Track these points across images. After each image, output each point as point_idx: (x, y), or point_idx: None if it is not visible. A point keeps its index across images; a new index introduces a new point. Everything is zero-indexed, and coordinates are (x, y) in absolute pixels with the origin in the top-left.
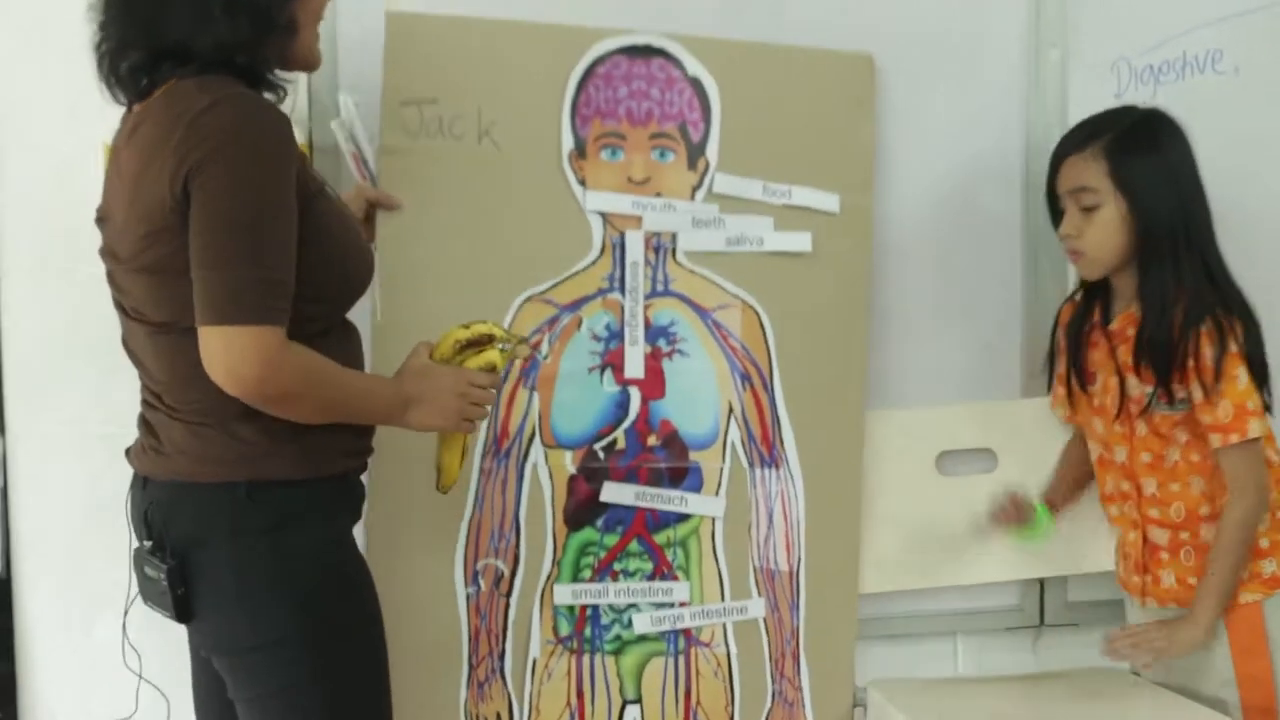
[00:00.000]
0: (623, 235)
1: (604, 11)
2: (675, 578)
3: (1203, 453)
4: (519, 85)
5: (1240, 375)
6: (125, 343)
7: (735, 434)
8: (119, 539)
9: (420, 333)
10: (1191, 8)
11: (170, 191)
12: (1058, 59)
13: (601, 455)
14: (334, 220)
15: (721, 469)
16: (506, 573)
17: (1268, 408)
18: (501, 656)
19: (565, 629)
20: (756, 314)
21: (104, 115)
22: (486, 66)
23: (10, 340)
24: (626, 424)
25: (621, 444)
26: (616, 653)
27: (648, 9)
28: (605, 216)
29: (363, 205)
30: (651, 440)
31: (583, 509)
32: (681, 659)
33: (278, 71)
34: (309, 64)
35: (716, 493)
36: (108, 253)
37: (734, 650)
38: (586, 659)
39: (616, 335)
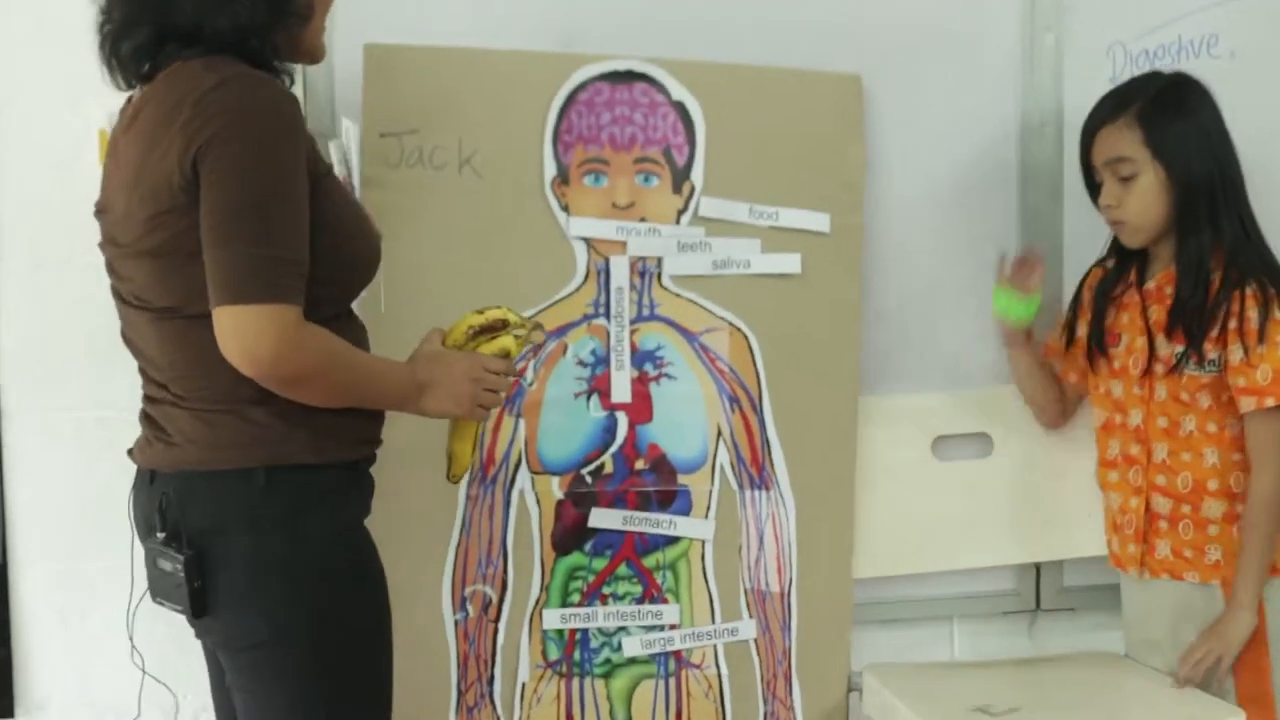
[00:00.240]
0: (607, 261)
1: (588, 38)
2: (665, 600)
3: (1220, 423)
4: (500, 114)
5: None
6: (125, 335)
7: (724, 456)
8: (115, 527)
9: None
10: None
11: (179, 170)
12: (1053, 43)
13: (589, 480)
14: (343, 202)
15: (710, 491)
16: (494, 598)
17: None
18: (490, 681)
19: (554, 653)
20: (745, 336)
21: (102, 104)
22: (466, 96)
23: (6, 329)
24: (614, 449)
25: (609, 468)
26: (606, 676)
27: (633, 35)
28: (589, 242)
29: None
30: (639, 464)
31: (570, 534)
32: (672, 681)
33: (283, 61)
34: (314, 55)
35: (706, 515)
36: (108, 241)
37: (725, 672)
38: (576, 683)
39: (603, 360)
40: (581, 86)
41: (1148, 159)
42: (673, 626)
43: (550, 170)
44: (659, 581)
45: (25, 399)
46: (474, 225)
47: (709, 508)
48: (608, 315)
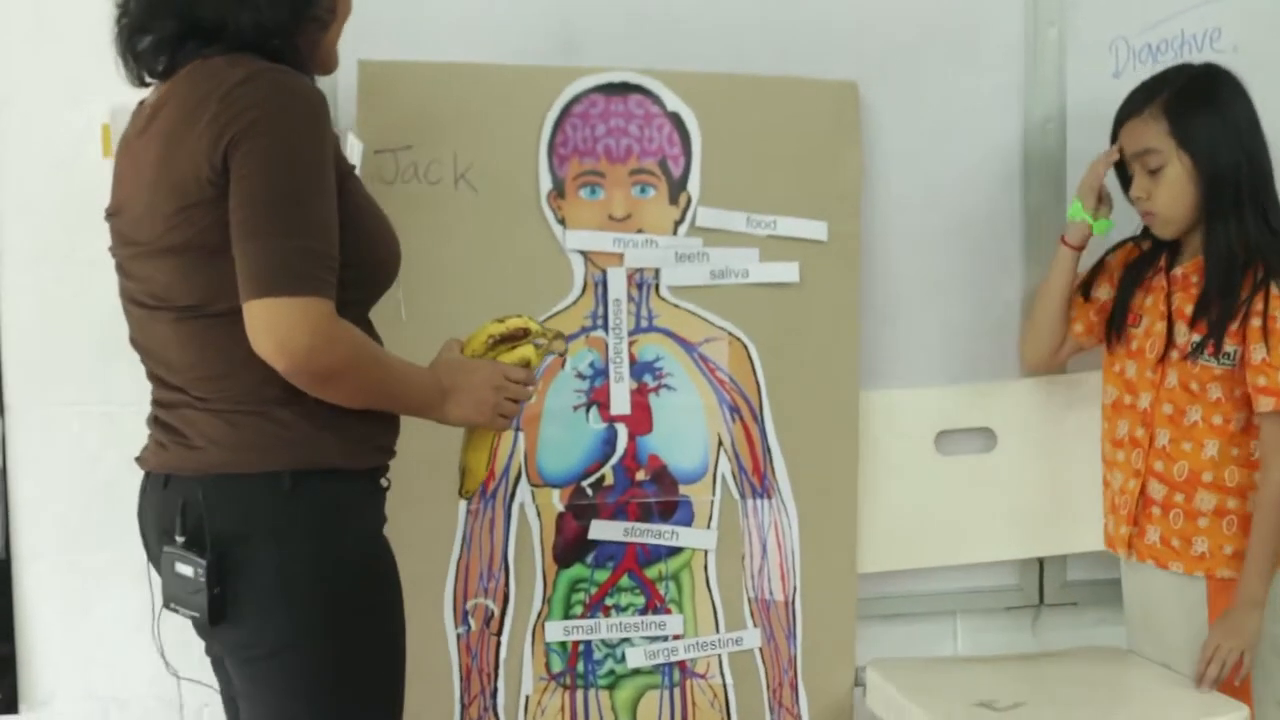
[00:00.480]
0: (604, 273)
1: (582, 50)
2: (668, 611)
3: (1226, 416)
4: (494, 128)
5: None
6: (134, 339)
7: (725, 466)
8: (119, 521)
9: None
10: None
11: (209, 164)
12: (1055, 38)
13: (589, 492)
14: (366, 202)
15: (712, 501)
16: (496, 612)
17: None
18: (494, 695)
19: (558, 665)
20: (744, 346)
21: (103, 99)
22: (461, 110)
23: (10, 322)
24: (614, 460)
25: (609, 480)
26: (610, 687)
27: (629, 46)
28: (586, 255)
29: None
30: (640, 475)
31: (572, 546)
32: (677, 691)
33: (303, 69)
34: (329, 64)
35: (708, 525)
36: (124, 242)
37: (730, 681)
38: (580, 694)
39: (601, 373)
40: (576, 99)
41: (1174, 150)
42: (676, 637)
43: (546, 184)
44: (662, 592)
45: (29, 393)
46: (470, 240)
47: (711, 518)
48: (606, 327)
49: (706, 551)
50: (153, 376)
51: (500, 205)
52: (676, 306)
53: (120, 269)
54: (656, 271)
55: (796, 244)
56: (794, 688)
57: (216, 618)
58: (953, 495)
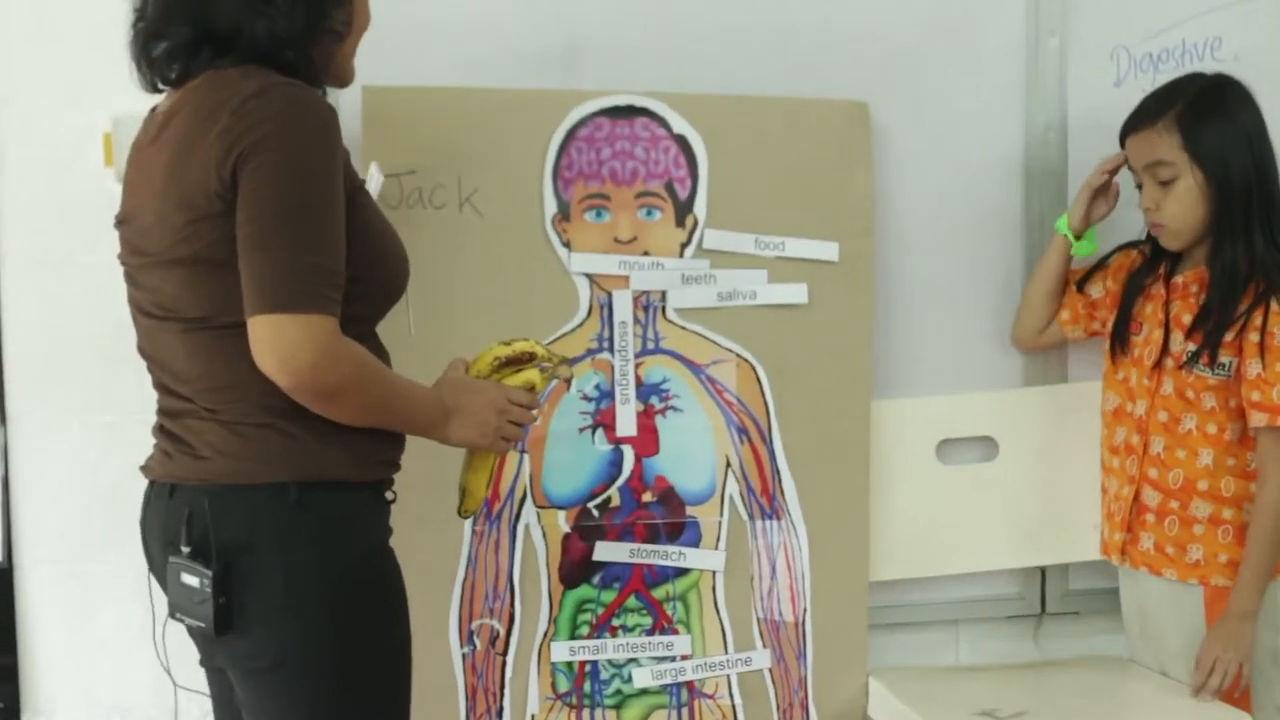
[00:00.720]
0: (610, 295)
1: (589, 73)
2: (675, 631)
3: (1221, 426)
4: (499, 152)
5: None
6: (142, 348)
7: (733, 487)
8: (121, 529)
9: None
10: None
11: (217, 177)
12: (1056, 47)
13: (596, 513)
14: (375, 217)
15: (720, 522)
16: (502, 632)
17: None
18: (499, 714)
19: (564, 685)
20: (752, 367)
21: (105, 105)
22: (465, 135)
23: (11, 329)
24: (620, 482)
25: (616, 502)
26: (617, 707)
27: (635, 68)
28: (592, 277)
29: None
30: (647, 497)
31: (578, 567)
32: (685, 711)
33: (317, 81)
34: (344, 77)
35: (716, 546)
36: (132, 251)
37: (739, 702)
38: (587, 714)
39: (607, 395)
40: (581, 122)
41: (1186, 163)
42: (684, 657)
43: (551, 207)
44: (669, 613)
45: (31, 401)
46: (475, 264)
47: (719, 538)
48: (612, 349)
49: (714, 572)
50: (159, 385)
51: (505, 229)
52: (683, 328)
53: (129, 278)
54: (663, 294)
55: (805, 265)
56: (804, 708)
57: (222, 628)
58: (954, 504)
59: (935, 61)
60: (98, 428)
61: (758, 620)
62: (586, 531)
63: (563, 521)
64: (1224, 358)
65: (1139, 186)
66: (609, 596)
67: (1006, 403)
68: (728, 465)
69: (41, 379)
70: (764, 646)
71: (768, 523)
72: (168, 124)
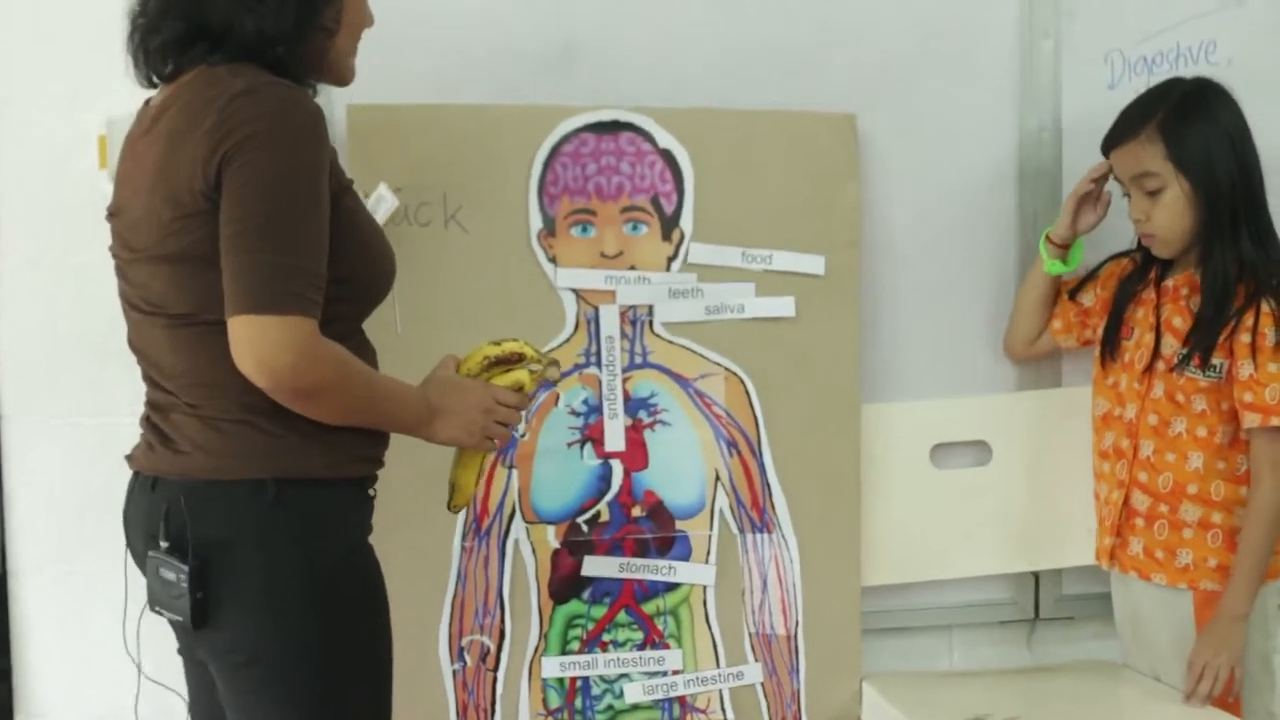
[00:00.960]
0: (597, 310)
1: (585, 76)
2: (667, 646)
3: (1211, 429)
4: (484, 168)
5: None
6: (132, 341)
7: (723, 501)
8: (115, 533)
9: None
10: None
11: (203, 175)
12: (1050, 49)
13: (585, 528)
14: (361, 218)
15: (710, 536)
16: (492, 648)
17: None
18: None
19: (555, 701)
20: (741, 381)
21: (100, 104)
22: (450, 152)
23: (5, 331)
24: (609, 497)
25: (605, 516)
26: None
27: (623, 81)
28: (578, 293)
29: None
30: (636, 511)
31: (568, 582)
32: None
33: (315, 78)
34: (342, 76)
35: (706, 560)
36: (122, 245)
37: (731, 717)
38: None
39: (595, 409)
40: (566, 138)
41: (1172, 172)
42: (676, 672)
43: (536, 223)
44: (660, 627)
45: (24, 404)
46: (461, 280)
47: (709, 552)
48: (599, 364)
49: (705, 586)
50: (147, 378)
51: (491, 245)
52: (671, 343)
53: (119, 271)
54: (650, 308)
55: (793, 277)
56: None
57: (199, 622)
58: (948, 509)
59: (929, 66)
60: (91, 429)
61: (749, 634)
62: (576, 546)
63: (552, 537)
64: (1215, 359)
65: (1126, 196)
66: (599, 612)
67: (1000, 407)
68: (717, 479)
69: (35, 381)
70: (756, 660)
71: (758, 536)
72: (160, 117)
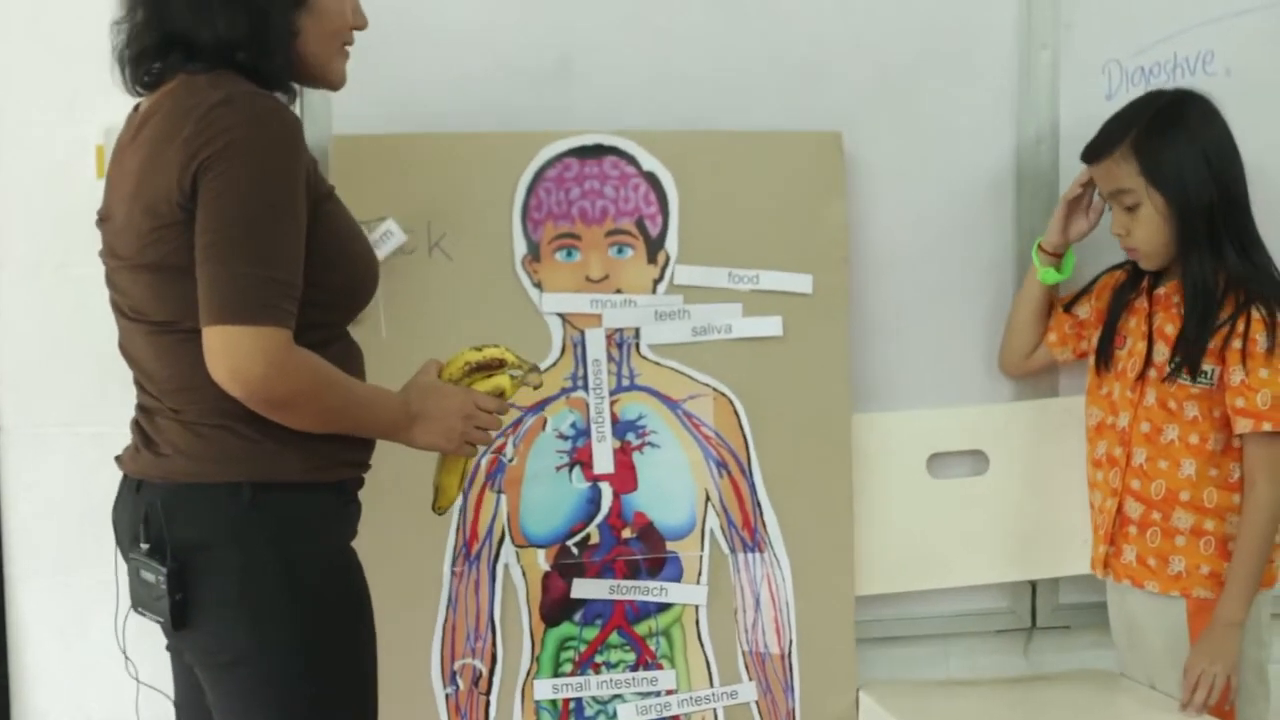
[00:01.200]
0: (583, 334)
1: (568, 109)
2: (660, 667)
3: (1203, 436)
4: (467, 195)
5: None
6: (122, 346)
7: (714, 521)
8: (112, 540)
9: None
10: (1182, 9)
11: (179, 186)
12: (1049, 61)
13: (575, 551)
14: (342, 225)
15: (701, 557)
16: (485, 671)
17: None
18: None
19: None
20: (730, 401)
21: (98, 114)
22: (433, 180)
23: (4, 340)
24: (599, 519)
25: (595, 539)
26: None
27: (609, 105)
28: (564, 317)
29: None
30: (626, 533)
31: (559, 604)
32: None
33: (295, 83)
34: (327, 79)
35: (697, 581)
36: (108, 252)
37: None
38: None
39: (583, 433)
40: (549, 163)
41: (1145, 188)
42: (669, 692)
43: (521, 248)
44: (653, 648)
45: (23, 413)
46: (446, 307)
47: (700, 573)
48: (586, 388)
49: (697, 606)
50: (136, 382)
51: (475, 271)
52: (658, 364)
53: (107, 278)
54: (636, 331)
55: (781, 297)
56: None
57: (179, 623)
58: (945, 518)
59: (927, 75)
60: (89, 438)
61: (743, 653)
62: (566, 569)
63: (542, 560)
64: (1206, 365)
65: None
66: (591, 633)
67: (997, 417)
68: (707, 499)
69: (33, 390)
70: (750, 679)
71: (750, 555)
72: (144, 125)
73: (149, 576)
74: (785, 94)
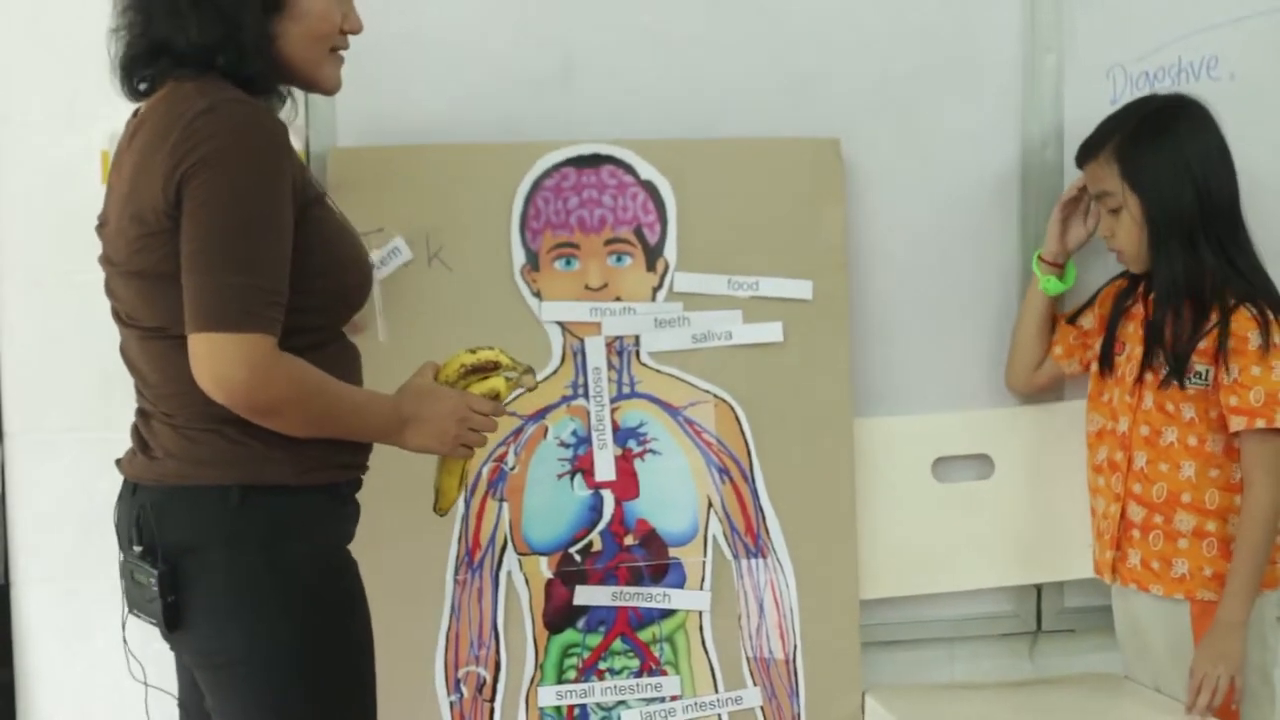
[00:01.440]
0: (583, 342)
1: (570, 116)
2: (664, 673)
3: (1201, 437)
4: (465, 206)
5: (1278, 367)
6: (122, 350)
7: (716, 527)
8: (116, 544)
9: None
10: (1187, 13)
11: (163, 195)
12: (1053, 65)
13: (578, 558)
14: (331, 229)
15: (704, 563)
16: (488, 678)
17: None
18: None
19: None
20: (731, 407)
21: (102, 120)
22: (431, 191)
23: (9, 347)
24: (601, 526)
25: (598, 546)
26: None
27: (616, 114)
28: (564, 325)
29: None
30: (629, 540)
31: (562, 612)
32: None
33: (286, 86)
34: (318, 83)
35: (701, 587)
36: (104, 258)
37: None
38: None
39: (584, 440)
40: (546, 173)
41: (1126, 192)
42: (674, 698)
43: (519, 258)
44: (656, 654)
45: (27, 419)
46: (446, 318)
47: (703, 579)
48: (587, 396)
49: (701, 612)
50: (135, 387)
51: (475, 282)
52: (658, 372)
53: (105, 284)
54: (636, 338)
55: (781, 303)
56: None
57: (172, 625)
58: (950, 522)
59: (932, 80)
60: (94, 444)
61: (747, 658)
62: (569, 576)
63: (545, 567)
64: (1200, 366)
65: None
66: (594, 640)
67: (1003, 421)
68: (709, 505)
69: (38, 397)
70: (755, 685)
71: (753, 561)
72: (137, 132)
73: (142, 579)
74: (785, 101)
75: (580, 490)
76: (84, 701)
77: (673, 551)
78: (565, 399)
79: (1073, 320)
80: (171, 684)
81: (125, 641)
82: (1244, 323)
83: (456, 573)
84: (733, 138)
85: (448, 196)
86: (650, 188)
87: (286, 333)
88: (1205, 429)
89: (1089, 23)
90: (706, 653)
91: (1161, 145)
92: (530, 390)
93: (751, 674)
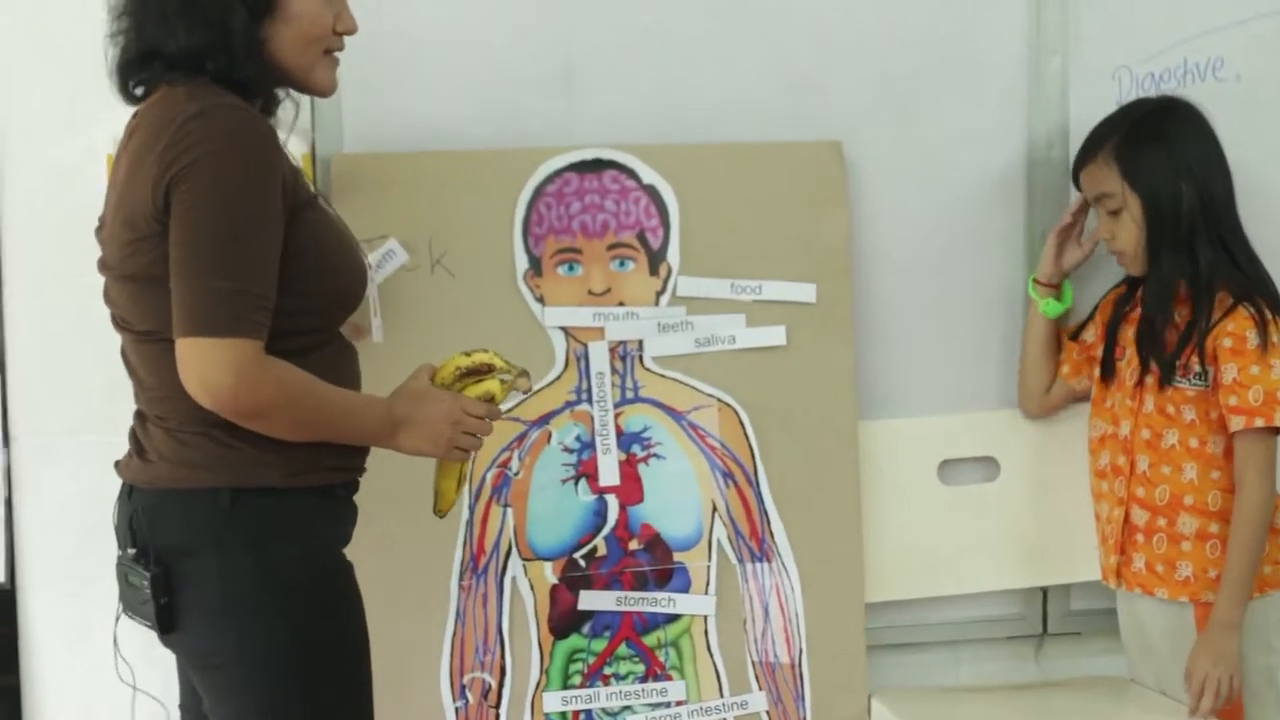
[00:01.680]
0: (586, 347)
1: (557, 130)
2: (669, 678)
3: (1202, 439)
4: (468, 212)
5: (1277, 366)
6: (122, 353)
7: (721, 532)
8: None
9: None
10: (1193, 15)
11: (152, 200)
12: (1059, 66)
13: (582, 563)
14: (325, 231)
15: (709, 567)
16: (494, 684)
17: None
18: None
19: None
20: (735, 411)
21: (105, 124)
22: (434, 197)
23: (13, 350)
24: (606, 531)
25: (602, 551)
26: None
27: (635, 96)
28: (567, 331)
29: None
30: (633, 545)
31: (567, 617)
32: None
33: (280, 89)
34: (313, 88)
35: (705, 591)
36: (101, 262)
37: None
38: None
39: (588, 445)
40: (549, 178)
41: (1126, 192)
42: (679, 703)
43: (522, 263)
44: (662, 659)
45: (32, 423)
46: (449, 323)
47: (708, 583)
48: (590, 400)
49: (706, 617)
50: (134, 389)
51: (478, 287)
52: (662, 376)
53: (104, 287)
54: (640, 343)
55: (785, 306)
56: None
57: (166, 627)
58: (956, 525)
59: (937, 82)
60: (98, 448)
61: (752, 663)
62: (574, 582)
63: (549, 573)
64: (1199, 366)
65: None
66: (600, 645)
67: (1008, 423)
68: (714, 510)
69: (43, 401)
70: (760, 689)
71: (758, 565)
72: (132, 135)
73: (136, 581)
74: (788, 104)
75: (584, 495)
76: (88, 705)
77: (677, 556)
78: (569, 404)
79: (1075, 337)
80: (167, 687)
81: (116, 643)
82: (1242, 322)
83: (461, 578)
84: (735, 142)
85: (451, 202)
86: (653, 192)
87: (281, 335)
88: (1206, 431)
89: (1094, 24)
90: (712, 657)
91: (1160, 145)
92: (525, 393)
93: (757, 678)
